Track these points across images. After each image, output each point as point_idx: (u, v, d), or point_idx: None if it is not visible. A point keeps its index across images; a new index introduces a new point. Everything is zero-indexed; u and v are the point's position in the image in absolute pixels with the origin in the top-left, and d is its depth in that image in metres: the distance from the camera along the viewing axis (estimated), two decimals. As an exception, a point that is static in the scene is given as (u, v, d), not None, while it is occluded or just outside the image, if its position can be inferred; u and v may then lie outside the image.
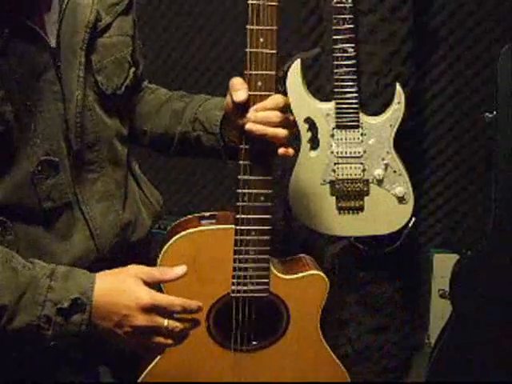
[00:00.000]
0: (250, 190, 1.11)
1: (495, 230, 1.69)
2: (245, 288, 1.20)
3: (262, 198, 1.12)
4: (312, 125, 1.82)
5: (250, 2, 1.04)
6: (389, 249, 1.88)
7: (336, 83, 1.75)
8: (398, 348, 2.09)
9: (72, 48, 1.05)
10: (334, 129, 1.80)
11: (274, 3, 1.04)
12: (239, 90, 1.06)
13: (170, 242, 1.17)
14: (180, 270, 0.99)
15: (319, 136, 1.82)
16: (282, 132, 1.07)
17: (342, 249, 1.94)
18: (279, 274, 1.24)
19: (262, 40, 1.05)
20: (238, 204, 1.13)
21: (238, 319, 1.23)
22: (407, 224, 1.84)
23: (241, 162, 1.11)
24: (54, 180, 1.05)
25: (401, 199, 1.82)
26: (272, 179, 1.12)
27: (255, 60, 1.06)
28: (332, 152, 1.82)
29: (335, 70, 1.74)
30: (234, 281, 1.19)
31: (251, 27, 1.05)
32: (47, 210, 1.05)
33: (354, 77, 1.74)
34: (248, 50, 1.06)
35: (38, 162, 1.02)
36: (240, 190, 1.12)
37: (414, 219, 1.83)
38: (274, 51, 1.06)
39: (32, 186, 1.03)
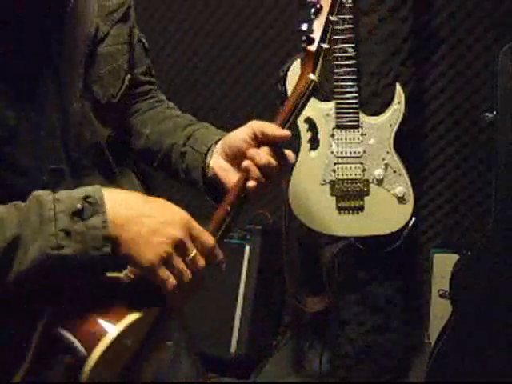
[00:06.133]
0: None
1: (495, 230, 1.69)
2: None
3: None
4: (312, 125, 1.82)
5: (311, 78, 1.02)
6: (389, 249, 1.88)
7: (336, 83, 1.75)
8: (397, 348, 2.09)
9: (72, 61, 1.05)
10: (333, 129, 1.80)
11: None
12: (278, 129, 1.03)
13: None
14: None
15: (319, 136, 1.82)
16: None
17: (342, 249, 1.94)
18: None
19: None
20: None
21: None
22: (407, 224, 1.84)
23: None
24: (59, 188, 1.05)
25: (401, 199, 1.82)
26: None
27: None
28: (332, 152, 1.82)
29: (335, 70, 1.74)
30: None
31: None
32: None
33: (354, 77, 1.74)
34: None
35: (46, 172, 1.03)
36: None
37: (414, 219, 1.84)
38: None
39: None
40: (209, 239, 0.94)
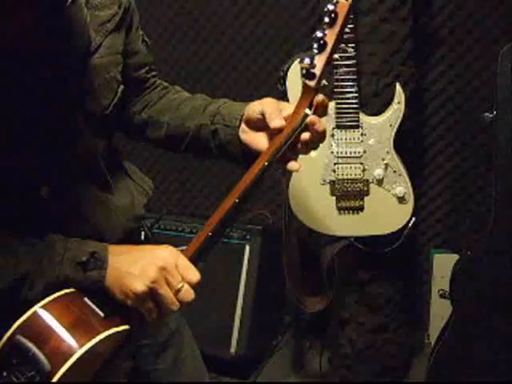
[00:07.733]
0: None
1: (495, 230, 1.69)
2: None
3: None
4: (312, 125, 1.82)
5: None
6: (389, 249, 1.88)
7: (336, 83, 1.75)
8: (397, 348, 2.09)
9: (65, 73, 1.05)
10: (334, 129, 1.80)
11: None
12: (275, 118, 1.05)
13: None
14: None
15: (319, 136, 1.82)
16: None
17: (342, 249, 1.94)
18: None
19: None
20: None
21: None
22: (407, 224, 1.84)
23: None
24: (56, 200, 1.06)
25: (401, 199, 1.82)
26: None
27: None
28: (332, 152, 1.82)
29: (335, 70, 1.74)
30: None
31: None
32: (54, 229, 1.07)
33: (354, 77, 1.74)
34: None
35: (41, 185, 1.04)
36: None
37: (413, 219, 1.84)
38: None
39: (37, 208, 1.05)
40: (194, 275, 1.00)
